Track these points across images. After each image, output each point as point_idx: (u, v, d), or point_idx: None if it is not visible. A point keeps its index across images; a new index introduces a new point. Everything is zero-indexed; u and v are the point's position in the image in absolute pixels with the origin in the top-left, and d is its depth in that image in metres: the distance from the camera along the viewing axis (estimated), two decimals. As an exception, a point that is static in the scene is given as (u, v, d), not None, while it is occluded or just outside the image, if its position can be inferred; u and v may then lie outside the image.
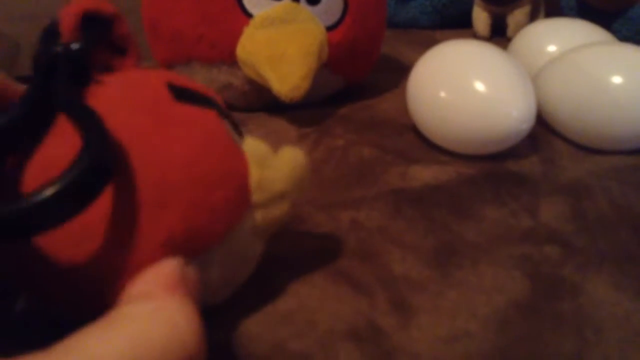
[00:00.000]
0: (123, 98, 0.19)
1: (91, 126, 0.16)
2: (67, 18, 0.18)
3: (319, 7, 0.41)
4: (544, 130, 0.39)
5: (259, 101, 0.43)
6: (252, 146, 0.21)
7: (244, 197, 0.20)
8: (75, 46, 0.18)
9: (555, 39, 0.44)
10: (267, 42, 0.38)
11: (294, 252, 0.27)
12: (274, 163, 0.21)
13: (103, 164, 0.16)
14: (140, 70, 0.21)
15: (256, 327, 0.22)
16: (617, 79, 0.34)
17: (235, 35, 0.40)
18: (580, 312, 0.22)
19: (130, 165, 0.17)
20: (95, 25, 0.19)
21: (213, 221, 0.19)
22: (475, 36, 0.68)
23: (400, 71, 0.51)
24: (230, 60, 0.41)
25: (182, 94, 0.20)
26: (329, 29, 0.42)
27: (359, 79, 0.48)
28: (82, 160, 0.15)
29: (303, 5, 0.41)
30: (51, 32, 0.18)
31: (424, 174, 0.34)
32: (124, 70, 0.21)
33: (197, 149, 0.19)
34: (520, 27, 0.56)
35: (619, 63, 0.35)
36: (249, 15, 0.40)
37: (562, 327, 0.22)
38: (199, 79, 0.43)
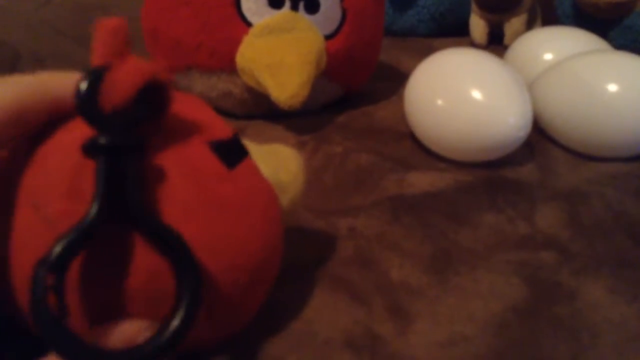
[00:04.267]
0: (180, 183, 0.18)
1: (184, 260, 0.16)
2: (126, 86, 0.16)
3: (318, 16, 0.42)
4: (540, 137, 0.39)
5: (258, 109, 0.43)
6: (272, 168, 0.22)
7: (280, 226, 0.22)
8: (139, 140, 0.17)
9: (552, 47, 0.44)
10: (267, 51, 0.39)
11: (292, 259, 0.27)
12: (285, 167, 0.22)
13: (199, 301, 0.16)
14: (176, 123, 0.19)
15: (255, 341, 0.22)
16: (613, 87, 0.34)
17: (234, 44, 0.40)
18: (576, 316, 0.23)
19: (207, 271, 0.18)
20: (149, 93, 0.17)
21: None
22: (473, 44, 0.68)
23: (398, 79, 0.51)
24: (229, 68, 0.41)
25: (229, 154, 0.19)
26: (328, 37, 0.42)
27: (357, 86, 0.49)
28: (184, 310, 0.16)
29: (302, 14, 0.41)
30: (93, 89, 0.17)
31: (422, 181, 0.34)
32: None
33: (258, 227, 0.20)
34: (517, 35, 0.57)
35: (615, 71, 0.35)
36: (248, 24, 0.40)
37: (559, 331, 0.22)
38: (198, 86, 0.44)
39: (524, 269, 0.26)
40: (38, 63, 0.55)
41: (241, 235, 0.19)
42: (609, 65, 0.36)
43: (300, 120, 0.43)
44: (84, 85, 0.16)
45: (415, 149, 0.38)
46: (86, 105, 0.16)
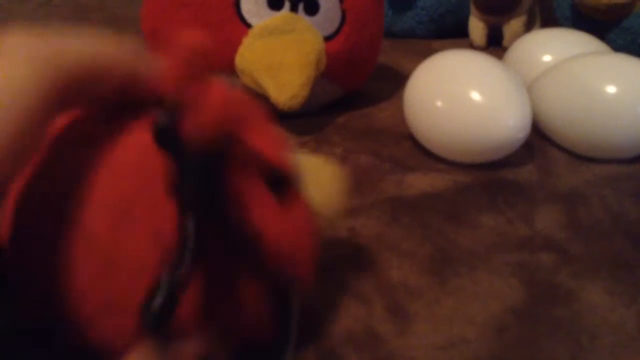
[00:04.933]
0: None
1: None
2: (212, 121, 0.15)
3: (317, 18, 0.42)
4: (539, 139, 0.39)
5: (258, 110, 0.43)
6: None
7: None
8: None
9: (551, 49, 0.44)
10: (266, 52, 0.39)
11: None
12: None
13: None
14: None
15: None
16: (611, 89, 0.34)
17: (234, 45, 0.40)
18: (575, 318, 0.23)
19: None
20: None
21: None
22: (472, 46, 0.68)
23: (397, 80, 0.51)
24: (229, 69, 0.41)
25: (280, 187, 0.19)
26: (327, 38, 0.42)
27: (356, 88, 0.49)
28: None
29: (301, 16, 0.41)
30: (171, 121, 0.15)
31: (421, 182, 0.34)
32: None
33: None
34: (516, 37, 0.57)
35: (614, 73, 0.35)
36: (248, 26, 0.40)
37: (558, 333, 0.22)
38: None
39: (522, 270, 0.26)
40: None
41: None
42: (608, 66, 0.36)
43: (300, 121, 0.43)
44: (163, 118, 0.15)
45: (414, 150, 0.38)
46: (167, 138, 0.15)
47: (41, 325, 0.17)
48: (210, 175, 0.16)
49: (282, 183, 0.18)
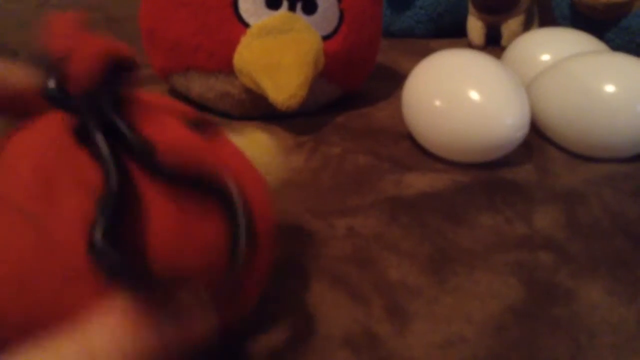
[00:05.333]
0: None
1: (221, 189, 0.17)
2: (88, 63, 0.17)
3: (315, 17, 0.42)
4: (538, 138, 0.39)
5: (256, 110, 0.43)
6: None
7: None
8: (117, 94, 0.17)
9: (549, 48, 0.44)
10: (264, 52, 0.39)
11: (291, 258, 0.27)
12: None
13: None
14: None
15: (252, 334, 0.22)
16: (610, 88, 0.34)
17: (232, 45, 0.40)
18: (574, 317, 0.23)
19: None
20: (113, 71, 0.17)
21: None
22: (470, 45, 0.68)
23: (395, 80, 0.51)
24: (227, 69, 0.41)
25: (204, 129, 0.20)
26: (325, 38, 0.42)
27: (355, 87, 0.49)
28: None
29: (299, 15, 0.41)
30: (52, 73, 0.17)
31: (420, 182, 0.34)
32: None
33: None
34: (514, 36, 0.57)
35: (612, 72, 0.35)
36: (246, 25, 0.40)
37: (557, 332, 0.22)
38: (196, 87, 0.44)
39: (521, 269, 0.26)
40: (35, 64, 0.55)
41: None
42: (606, 66, 0.36)
43: (298, 121, 0.43)
44: (51, 81, 0.16)
45: (413, 150, 0.38)
46: (58, 96, 0.16)
47: None
48: (111, 108, 0.17)
49: (200, 125, 0.19)
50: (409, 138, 0.40)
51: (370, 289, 0.24)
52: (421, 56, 0.39)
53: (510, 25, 0.66)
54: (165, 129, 0.18)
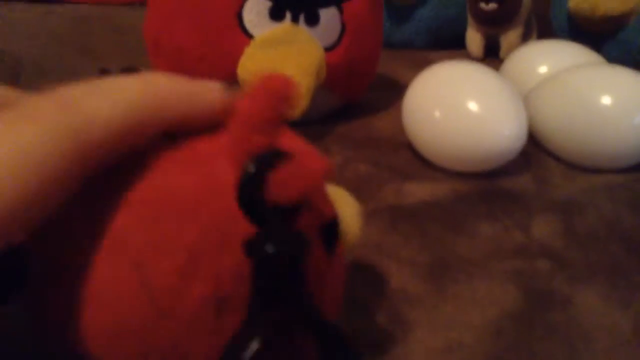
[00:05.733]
0: None
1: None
2: (298, 187, 0.14)
3: (318, 29, 0.42)
4: (536, 149, 0.40)
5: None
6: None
7: None
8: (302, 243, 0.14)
9: (547, 60, 0.45)
10: (267, 62, 0.39)
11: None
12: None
13: None
14: None
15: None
16: (607, 100, 0.35)
17: (236, 56, 0.41)
18: (570, 322, 0.23)
19: None
20: None
21: None
22: (469, 57, 0.69)
23: (396, 90, 0.52)
24: (231, 80, 0.42)
25: (330, 239, 0.17)
26: (327, 49, 0.43)
27: (355, 98, 0.49)
28: None
29: (302, 27, 0.42)
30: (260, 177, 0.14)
31: (419, 191, 0.34)
32: None
33: None
34: (512, 48, 0.58)
35: (609, 84, 0.36)
36: (249, 36, 0.41)
37: (554, 337, 0.22)
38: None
39: (519, 277, 0.26)
40: (41, 73, 0.56)
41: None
42: (603, 78, 0.37)
43: (300, 131, 0.43)
44: (252, 169, 0.14)
45: (413, 159, 0.39)
46: (250, 195, 0.14)
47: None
48: (291, 242, 0.14)
49: (334, 234, 0.17)
50: (409, 147, 0.40)
51: (371, 297, 0.25)
52: (421, 67, 0.39)
53: (509, 37, 0.67)
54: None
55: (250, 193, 0.14)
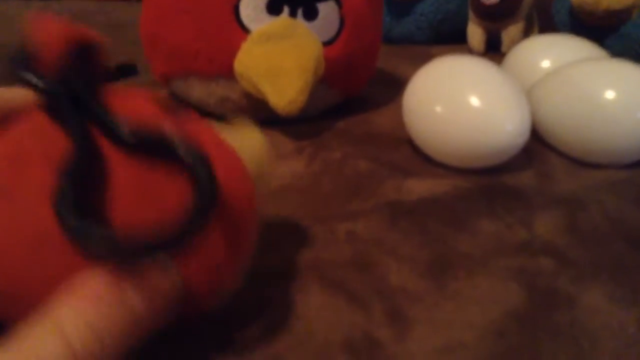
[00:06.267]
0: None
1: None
2: (55, 46, 0.18)
3: (316, 23, 0.42)
4: (538, 144, 0.39)
5: (256, 115, 0.43)
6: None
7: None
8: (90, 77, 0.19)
9: (549, 55, 0.44)
10: (265, 57, 0.39)
11: (291, 263, 0.27)
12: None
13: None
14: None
15: (252, 339, 0.22)
16: (610, 94, 0.34)
17: (233, 50, 0.40)
18: (575, 322, 0.23)
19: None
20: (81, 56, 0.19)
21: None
22: (470, 51, 0.68)
23: (396, 86, 0.52)
24: (228, 74, 0.41)
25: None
26: (326, 44, 0.42)
27: (355, 93, 0.49)
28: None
29: (300, 21, 0.41)
30: (24, 60, 0.18)
31: (420, 187, 0.34)
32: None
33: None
34: (514, 42, 0.57)
35: (612, 78, 0.36)
36: (247, 31, 0.40)
37: (558, 337, 0.22)
38: (196, 92, 0.44)
39: (522, 275, 0.26)
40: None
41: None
42: (606, 72, 0.36)
43: (299, 126, 0.43)
44: (22, 66, 0.18)
45: (413, 155, 0.38)
46: (31, 79, 0.18)
47: None
48: (79, 84, 0.18)
49: (175, 109, 0.20)
50: (410, 143, 0.40)
51: (371, 294, 0.24)
52: (421, 62, 0.39)
53: (510, 31, 0.66)
54: (135, 106, 0.19)
55: (21, 65, 0.18)
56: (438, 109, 0.35)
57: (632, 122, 0.34)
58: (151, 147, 0.18)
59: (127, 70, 0.51)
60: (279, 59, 0.38)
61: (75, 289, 0.15)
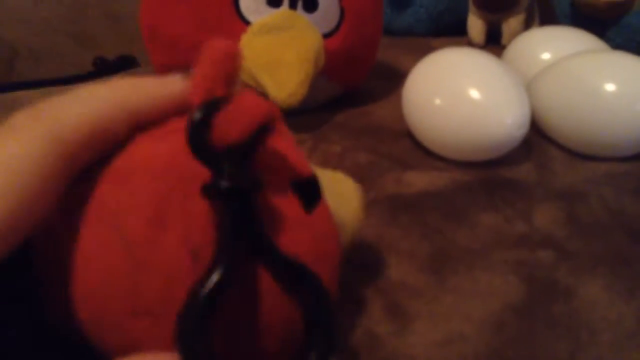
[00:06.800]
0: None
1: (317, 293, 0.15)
2: (244, 124, 0.15)
3: (316, 15, 0.42)
4: (538, 137, 0.39)
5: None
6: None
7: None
8: (257, 180, 0.15)
9: (550, 47, 0.44)
10: (265, 49, 0.39)
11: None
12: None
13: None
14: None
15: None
16: (610, 86, 0.34)
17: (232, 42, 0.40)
18: (574, 314, 0.23)
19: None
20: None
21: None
22: (470, 44, 0.68)
23: (396, 78, 0.51)
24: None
25: (308, 196, 0.18)
26: (326, 36, 0.42)
27: (355, 85, 0.49)
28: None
29: (300, 13, 0.41)
30: (206, 122, 0.15)
31: (420, 180, 0.34)
32: None
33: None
34: (514, 34, 0.57)
35: (612, 70, 0.35)
36: (246, 23, 0.40)
37: (557, 329, 0.22)
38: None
39: (521, 267, 0.26)
40: (36, 60, 0.55)
41: None
42: (607, 64, 0.36)
43: (299, 119, 0.43)
44: (197, 116, 0.15)
45: (413, 148, 0.38)
46: (198, 140, 0.15)
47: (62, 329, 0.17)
48: (244, 179, 0.15)
49: (309, 189, 0.17)
50: (409, 136, 0.40)
51: (370, 289, 0.24)
52: (421, 54, 0.39)
53: (511, 23, 0.66)
54: (277, 195, 0.17)
55: (198, 137, 0.15)
56: (438, 101, 0.35)
57: (632, 114, 0.34)
58: (289, 276, 0.16)
59: (127, 62, 0.50)
60: (279, 51, 0.38)
61: None
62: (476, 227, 0.29)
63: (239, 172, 0.15)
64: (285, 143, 0.18)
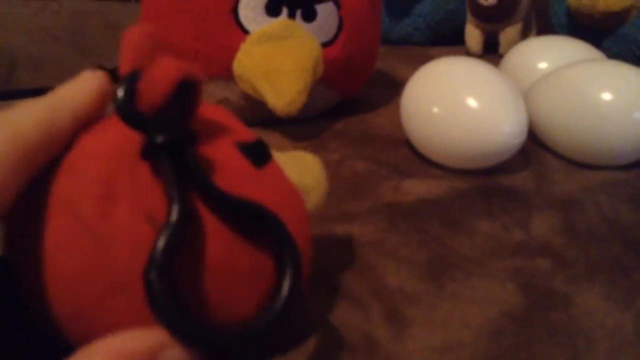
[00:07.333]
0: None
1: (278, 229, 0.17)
2: (162, 85, 0.16)
3: (315, 24, 0.42)
4: (535, 145, 0.39)
5: (255, 116, 0.44)
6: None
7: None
8: (190, 132, 0.17)
9: (547, 56, 0.44)
10: (264, 58, 0.39)
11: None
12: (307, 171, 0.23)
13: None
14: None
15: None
16: (607, 96, 0.35)
17: (232, 51, 0.40)
18: (572, 322, 0.23)
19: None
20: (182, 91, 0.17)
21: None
22: (468, 53, 0.68)
23: (394, 87, 0.52)
24: (226, 75, 0.41)
25: (255, 155, 0.20)
26: (325, 45, 0.42)
27: (353, 94, 0.49)
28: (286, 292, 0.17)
29: (299, 22, 0.41)
30: (130, 94, 0.17)
31: (418, 188, 0.34)
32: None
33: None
34: (512, 44, 0.57)
35: (609, 80, 0.36)
36: (245, 32, 0.41)
37: (554, 337, 0.22)
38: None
39: (519, 275, 0.26)
40: (36, 69, 0.55)
41: None
42: (603, 74, 0.37)
43: (297, 127, 0.43)
44: (121, 92, 0.16)
45: (411, 156, 0.39)
46: (127, 110, 0.16)
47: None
48: (176, 132, 0.17)
49: (257, 151, 0.19)
50: (407, 144, 0.40)
51: (369, 295, 0.25)
52: (419, 63, 0.39)
53: (508, 33, 0.66)
54: (221, 153, 0.19)
55: (126, 107, 0.16)
56: (436, 110, 0.35)
57: (629, 123, 0.34)
58: (242, 215, 0.17)
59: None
60: (278, 60, 0.39)
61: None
62: (474, 234, 0.29)
63: (171, 128, 0.16)
64: (231, 121, 0.20)
